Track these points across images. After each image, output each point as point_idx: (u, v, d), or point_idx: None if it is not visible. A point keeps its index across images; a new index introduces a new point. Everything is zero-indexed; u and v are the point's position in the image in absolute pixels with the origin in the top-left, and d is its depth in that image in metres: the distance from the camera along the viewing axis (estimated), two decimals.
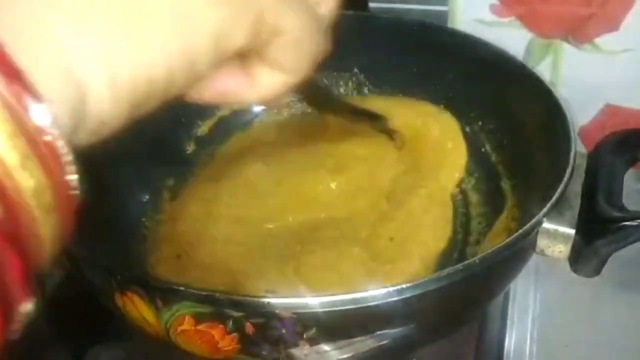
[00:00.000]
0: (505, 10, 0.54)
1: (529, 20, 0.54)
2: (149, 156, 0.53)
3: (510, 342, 0.51)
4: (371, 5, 0.56)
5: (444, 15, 0.55)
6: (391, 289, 0.33)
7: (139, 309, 0.35)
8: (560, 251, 0.38)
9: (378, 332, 0.36)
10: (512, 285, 0.52)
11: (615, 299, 0.54)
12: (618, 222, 0.36)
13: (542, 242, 0.38)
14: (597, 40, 0.53)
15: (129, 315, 0.36)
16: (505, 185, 0.50)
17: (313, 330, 0.34)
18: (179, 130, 0.56)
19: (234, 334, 0.34)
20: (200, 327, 0.34)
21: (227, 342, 0.35)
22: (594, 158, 0.41)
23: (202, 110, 0.58)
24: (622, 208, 0.37)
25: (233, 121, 0.59)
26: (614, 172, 0.40)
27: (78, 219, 0.19)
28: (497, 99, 0.52)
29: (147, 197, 0.53)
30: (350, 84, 0.59)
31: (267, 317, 0.33)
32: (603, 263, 0.37)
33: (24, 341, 0.17)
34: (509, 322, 0.53)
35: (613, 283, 0.53)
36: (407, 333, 0.37)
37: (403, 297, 0.33)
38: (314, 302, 0.33)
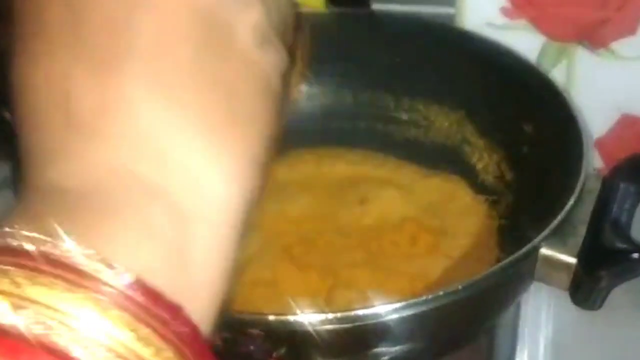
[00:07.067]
0: (517, 12, 0.51)
1: (541, 23, 0.51)
2: None
3: None
4: (374, 6, 0.54)
5: (451, 18, 0.52)
6: (367, 311, 0.32)
7: None
8: (561, 280, 0.36)
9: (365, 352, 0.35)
10: (522, 304, 0.49)
11: (632, 322, 0.51)
12: (622, 253, 0.34)
13: (542, 270, 0.36)
14: (614, 45, 0.50)
15: None
16: (509, 201, 0.48)
17: (283, 349, 0.33)
18: None
19: None
20: None
21: None
22: (607, 182, 0.38)
23: None
24: (628, 239, 0.34)
25: None
26: (625, 199, 0.37)
27: None
28: (506, 107, 0.49)
29: None
30: None
31: (234, 333, 0.32)
32: (605, 296, 0.35)
33: None
34: (519, 341, 0.50)
35: (629, 306, 0.51)
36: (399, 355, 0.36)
37: (386, 319, 0.33)
38: (282, 321, 0.32)
